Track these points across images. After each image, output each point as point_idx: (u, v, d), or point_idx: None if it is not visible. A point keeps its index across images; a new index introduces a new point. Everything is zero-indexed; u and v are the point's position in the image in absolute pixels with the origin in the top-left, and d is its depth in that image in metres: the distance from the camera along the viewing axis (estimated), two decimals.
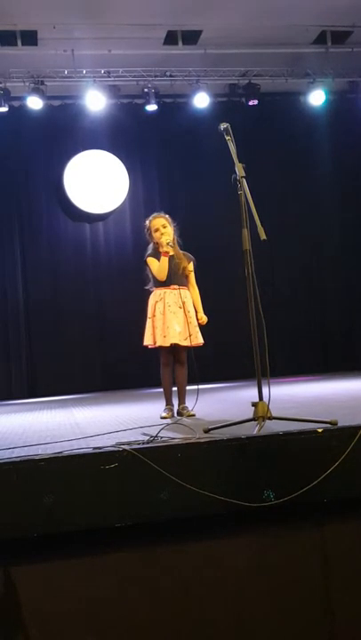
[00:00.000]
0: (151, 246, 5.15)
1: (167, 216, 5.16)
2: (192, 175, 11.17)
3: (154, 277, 5.07)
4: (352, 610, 3.16)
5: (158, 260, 5.02)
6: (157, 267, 5.01)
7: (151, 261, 5.07)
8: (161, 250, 5.01)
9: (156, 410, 5.28)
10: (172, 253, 5.01)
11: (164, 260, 4.98)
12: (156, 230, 5.06)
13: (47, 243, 11.16)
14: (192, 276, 5.17)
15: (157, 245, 5.08)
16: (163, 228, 5.05)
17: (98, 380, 10.83)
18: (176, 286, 5.02)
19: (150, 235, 5.13)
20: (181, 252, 5.12)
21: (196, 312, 5.08)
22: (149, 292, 5.14)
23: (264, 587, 3.10)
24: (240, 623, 3.07)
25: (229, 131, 3.88)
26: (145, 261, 5.14)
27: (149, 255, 5.11)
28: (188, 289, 5.12)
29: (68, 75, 10.09)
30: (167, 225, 5.08)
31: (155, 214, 5.21)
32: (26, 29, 9.15)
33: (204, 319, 5.09)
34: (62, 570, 2.93)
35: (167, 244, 4.98)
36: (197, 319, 5.05)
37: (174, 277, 5.03)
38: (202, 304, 5.17)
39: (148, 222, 5.17)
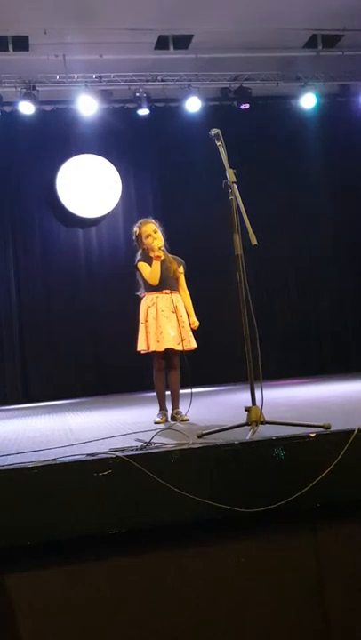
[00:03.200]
0: (140, 252, 5.15)
1: (155, 221, 5.17)
2: (184, 179, 11.18)
3: (145, 282, 5.06)
4: (347, 613, 3.17)
5: (149, 265, 5.03)
6: (149, 271, 5.01)
7: (143, 266, 5.07)
8: (152, 254, 5.00)
9: (149, 414, 5.28)
10: (163, 257, 5.01)
11: (156, 264, 4.98)
12: (148, 236, 5.06)
13: (40, 248, 11.17)
14: (182, 279, 5.17)
15: (147, 251, 5.07)
16: (154, 233, 5.06)
17: (92, 385, 10.83)
18: (168, 291, 5.02)
19: (141, 241, 5.12)
20: (171, 255, 5.12)
21: (188, 316, 5.08)
22: (140, 297, 5.14)
23: (259, 591, 3.10)
24: (237, 628, 3.07)
25: (220, 136, 3.89)
26: (136, 266, 5.13)
27: (140, 260, 5.11)
28: (180, 292, 5.12)
29: (59, 80, 10.10)
30: (157, 230, 5.08)
31: (143, 220, 5.20)
32: (17, 35, 9.16)
33: (195, 324, 5.09)
34: (57, 578, 2.93)
35: (159, 247, 4.98)
36: (189, 323, 5.05)
37: (166, 281, 5.03)
38: (195, 307, 5.18)
39: (137, 229, 5.16)
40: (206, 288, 9.61)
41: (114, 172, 11.21)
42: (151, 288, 5.03)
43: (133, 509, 2.91)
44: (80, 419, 6.19)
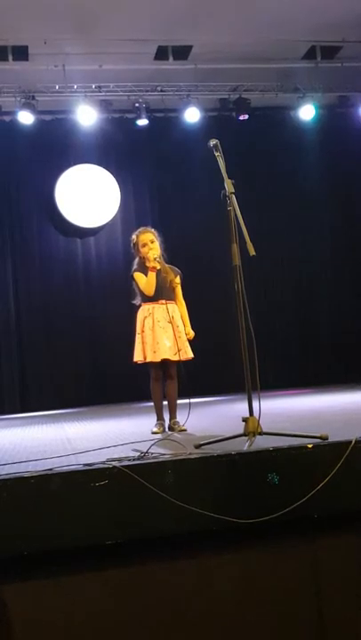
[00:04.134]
0: (137, 261, 5.15)
1: (154, 230, 5.17)
2: (183, 189, 11.20)
3: (141, 292, 5.06)
4: (344, 624, 3.15)
5: (145, 275, 5.02)
6: (145, 282, 5.00)
7: (138, 276, 5.06)
8: (148, 264, 4.99)
9: (147, 424, 5.27)
10: (159, 268, 5.01)
11: (152, 274, 4.97)
12: (144, 245, 5.06)
13: (39, 257, 11.15)
14: (179, 289, 5.17)
15: (144, 260, 5.07)
16: (151, 243, 5.05)
17: (90, 395, 10.80)
18: (164, 301, 5.02)
19: (138, 249, 5.12)
20: (167, 265, 5.11)
21: (184, 326, 5.07)
22: (137, 307, 5.14)
23: (256, 602, 3.09)
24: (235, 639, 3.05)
25: (219, 147, 3.90)
26: (132, 276, 5.13)
27: (136, 270, 5.10)
28: (176, 303, 5.12)
29: (59, 90, 10.13)
30: (155, 240, 5.08)
31: (142, 229, 5.20)
32: (17, 44, 9.19)
33: (191, 334, 5.09)
34: (53, 588, 2.91)
35: (154, 258, 4.98)
36: (185, 333, 5.04)
37: (162, 292, 5.02)
38: (193, 317, 5.17)
39: (135, 237, 5.16)
40: (204, 298, 9.63)
41: (113, 181, 11.22)
42: (147, 298, 5.03)
43: (130, 520, 2.90)
44: (77, 428, 6.17)
